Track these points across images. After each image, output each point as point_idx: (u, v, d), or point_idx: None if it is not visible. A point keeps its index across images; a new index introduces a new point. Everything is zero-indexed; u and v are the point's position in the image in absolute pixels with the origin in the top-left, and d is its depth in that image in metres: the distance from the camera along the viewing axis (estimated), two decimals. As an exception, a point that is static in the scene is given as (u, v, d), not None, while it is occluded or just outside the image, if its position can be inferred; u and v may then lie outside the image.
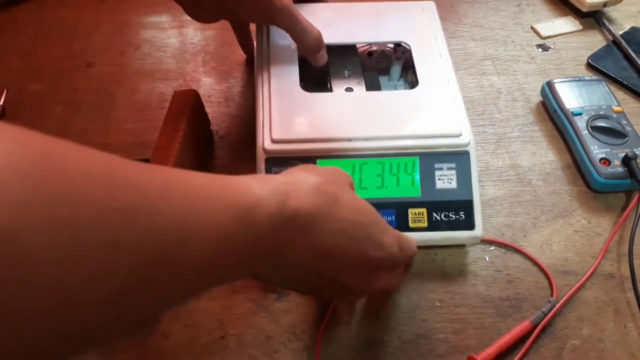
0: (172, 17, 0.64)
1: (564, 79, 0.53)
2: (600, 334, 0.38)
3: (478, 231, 0.40)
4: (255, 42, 0.51)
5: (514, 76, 0.57)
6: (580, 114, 0.49)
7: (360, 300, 0.39)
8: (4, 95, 0.52)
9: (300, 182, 0.28)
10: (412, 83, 0.44)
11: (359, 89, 0.46)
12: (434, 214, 0.39)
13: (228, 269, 0.25)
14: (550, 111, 0.53)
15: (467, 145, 0.40)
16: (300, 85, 0.47)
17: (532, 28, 0.63)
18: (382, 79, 0.50)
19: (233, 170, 0.48)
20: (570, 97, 0.51)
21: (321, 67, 0.45)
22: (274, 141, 0.39)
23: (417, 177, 0.40)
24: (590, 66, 0.58)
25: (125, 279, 0.18)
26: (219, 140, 0.51)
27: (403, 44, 0.47)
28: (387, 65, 0.50)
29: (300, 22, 0.42)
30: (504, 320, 0.39)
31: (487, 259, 0.42)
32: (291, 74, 0.44)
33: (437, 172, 0.40)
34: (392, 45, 0.49)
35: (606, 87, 0.52)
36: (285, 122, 0.40)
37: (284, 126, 0.40)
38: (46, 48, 0.60)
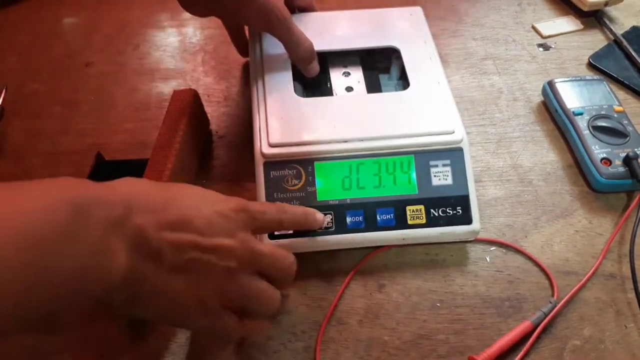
0: (171, 17, 0.64)
1: (565, 79, 0.53)
2: (601, 334, 0.38)
3: (475, 225, 0.40)
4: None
5: (514, 76, 0.57)
6: (581, 114, 0.49)
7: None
8: (2, 95, 0.52)
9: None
10: (406, 85, 0.45)
11: (360, 87, 0.46)
12: (432, 210, 0.40)
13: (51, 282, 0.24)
14: (551, 111, 0.53)
15: (460, 141, 0.41)
16: (300, 86, 0.47)
17: (533, 27, 0.63)
18: (382, 78, 0.50)
19: (233, 170, 0.49)
20: (572, 96, 0.51)
21: (315, 75, 0.46)
22: (271, 145, 0.40)
23: (413, 174, 0.40)
24: (591, 66, 0.58)
25: None
26: (218, 140, 0.51)
27: (393, 49, 0.48)
28: (388, 64, 0.50)
29: (294, 34, 0.43)
30: (504, 320, 0.39)
31: (487, 259, 0.42)
32: (285, 80, 0.45)
33: (433, 169, 0.40)
34: None
35: (607, 87, 0.52)
36: (282, 127, 0.41)
37: (281, 130, 0.41)
38: (45, 47, 0.60)
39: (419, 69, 0.46)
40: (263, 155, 0.40)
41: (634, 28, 0.61)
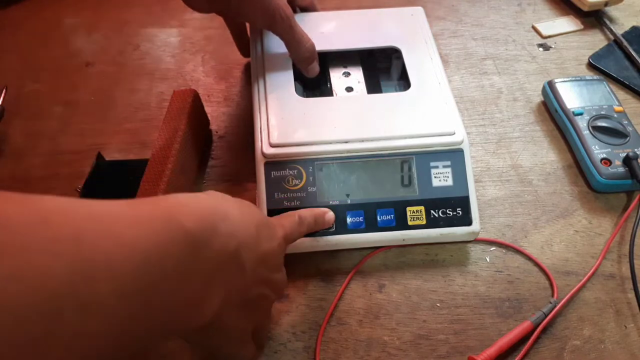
0: (171, 17, 0.64)
1: (565, 79, 0.53)
2: (601, 334, 0.38)
3: (475, 227, 0.40)
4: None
5: (514, 76, 0.57)
6: (581, 114, 0.49)
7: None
8: (2, 95, 0.52)
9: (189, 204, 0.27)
10: (407, 85, 0.45)
11: (360, 88, 0.46)
12: (432, 212, 0.40)
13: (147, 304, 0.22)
14: (551, 111, 0.53)
15: (460, 143, 0.41)
16: (300, 86, 0.47)
17: (533, 27, 0.63)
18: (383, 78, 0.50)
19: (233, 170, 0.49)
20: (571, 96, 0.51)
21: (315, 76, 0.46)
22: (272, 145, 0.40)
23: (414, 175, 0.40)
24: (591, 66, 0.58)
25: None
26: (218, 140, 0.51)
27: (394, 49, 0.48)
28: (388, 64, 0.50)
29: (296, 33, 0.43)
30: (504, 320, 0.39)
31: (487, 259, 0.42)
32: (286, 80, 0.45)
33: (433, 171, 0.40)
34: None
35: (607, 87, 0.52)
36: (283, 127, 0.41)
37: (282, 130, 0.41)
38: (45, 47, 0.60)
39: (419, 69, 0.46)
40: (264, 155, 0.40)
41: (634, 28, 0.61)
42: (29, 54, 0.59)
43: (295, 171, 0.40)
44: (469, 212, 0.40)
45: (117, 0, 0.66)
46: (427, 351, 0.37)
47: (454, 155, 0.41)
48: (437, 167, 0.41)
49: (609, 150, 0.46)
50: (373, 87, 0.47)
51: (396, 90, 0.48)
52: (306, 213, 0.37)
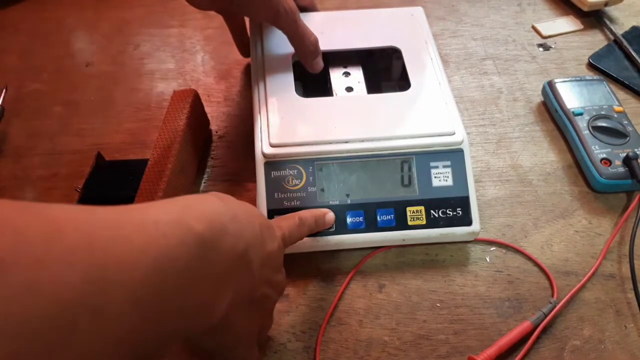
0: (171, 17, 0.64)
1: (565, 79, 0.53)
2: (601, 334, 0.38)
3: (475, 227, 0.40)
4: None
5: (514, 76, 0.57)
6: (581, 114, 0.49)
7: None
8: (3, 95, 0.52)
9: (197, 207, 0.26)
10: (407, 85, 0.45)
11: (360, 88, 0.46)
12: (432, 212, 0.40)
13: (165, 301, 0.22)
14: (551, 111, 0.53)
15: (460, 143, 0.41)
16: (300, 86, 0.47)
17: (533, 27, 0.63)
18: (383, 78, 0.50)
19: (233, 170, 0.49)
20: (571, 96, 0.51)
21: (319, 71, 0.46)
22: (272, 145, 0.40)
23: (414, 176, 0.40)
24: (591, 66, 0.58)
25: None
26: (218, 140, 0.51)
27: (394, 49, 0.48)
28: (388, 64, 0.50)
29: (300, 27, 0.43)
30: (504, 320, 0.39)
31: (487, 259, 0.42)
32: (286, 80, 0.45)
33: (433, 171, 0.41)
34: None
35: (607, 87, 0.52)
36: (283, 127, 0.41)
37: (282, 130, 0.41)
38: (45, 47, 0.60)
39: (419, 69, 0.46)
40: (264, 155, 0.40)
41: (634, 28, 0.61)
42: (29, 54, 0.59)
43: (295, 171, 0.40)
44: (468, 212, 0.40)
45: (117, 0, 0.66)
46: (427, 351, 0.37)
47: (454, 155, 0.41)
48: (437, 167, 0.41)
49: (609, 150, 0.46)
50: (373, 87, 0.47)
51: (396, 90, 0.48)
52: (306, 214, 0.37)
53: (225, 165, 0.49)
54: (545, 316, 0.38)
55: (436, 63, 0.46)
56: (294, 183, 0.40)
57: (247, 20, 0.52)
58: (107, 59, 0.59)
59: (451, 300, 0.40)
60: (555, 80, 0.53)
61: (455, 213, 0.40)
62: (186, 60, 0.59)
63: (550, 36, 0.61)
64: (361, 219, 0.40)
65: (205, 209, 0.25)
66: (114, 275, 0.19)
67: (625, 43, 0.58)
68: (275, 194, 0.40)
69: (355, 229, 0.40)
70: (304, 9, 0.51)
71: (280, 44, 0.46)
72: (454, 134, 0.41)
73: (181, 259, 0.22)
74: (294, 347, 0.37)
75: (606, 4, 0.62)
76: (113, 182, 0.44)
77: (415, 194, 0.40)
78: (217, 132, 0.52)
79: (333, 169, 0.40)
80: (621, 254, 0.42)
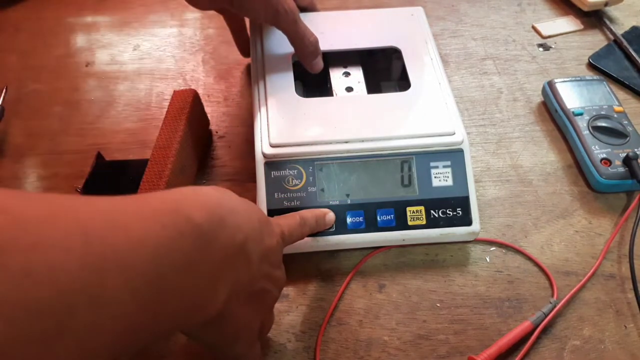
0: (171, 16, 0.64)
1: (565, 79, 0.53)
2: (601, 334, 0.38)
3: (475, 227, 0.40)
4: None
5: (514, 76, 0.57)
6: (581, 114, 0.49)
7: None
8: (3, 95, 0.52)
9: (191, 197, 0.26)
10: (407, 85, 0.45)
11: (359, 88, 0.46)
12: (432, 212, 0.40)
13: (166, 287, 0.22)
14: (551, 111, 0.53)
15: (460, 143, 0.41)
16: (300, 86, 0.47)
17: (533, 27, 0.63)
18: (383, 78, 0.50)
19: (233, 170, 0.49)
20: (571, 96, 0.51)
21: (319, 72, 0.46)
22: (272, 145, 0.40)
23: (414, 176, 0.40)
24: (591, 66, 0.58)
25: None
26: (218, 140, 0.51)
27: (394, 49, 0.48)
28: (388, 64, 0.50)
29: (300, 27, 0.43)
30: (504, 320, 0.39)
31: (487, 259, 0.42)
32: (286, 80, 0.45)
33: (433, 171, 0.41)
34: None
35: (607, 87, 0.52)
36: (283, 127, 0.41)
37: (282, 130, 0.41)
38: (45, 47, 0.60)
39: (420, 69, 0.46)
40: (264, 155, 0.40)
41: (634, 28, 0.61)
42: (29, 54, 0.59)
43: (295, 171, 0.40)
44: (468, 212, 0.40)
45: (117, 0, 0.66)
46: (427, 351, 0.37)
47: (454, 156, 0.41)
48: (437, 167, 0.41)
49: (609, 150, 0.46)
50: (373, 87, 0.47)
51: (396, 90, 0.48)
52: (307, 214, 0.37)
53: (225, 165, 0.49)
54: (546, 316, 0.38)
55: (436, 63, 0.46)
56: (294, 183, 0.40)
57: (247, 20, 0.52)
58: (107, 59, 0.59)
59: (451, 300, 0.40)
60: (555, 80, 0.53)
61: (455, 213, 0.40)
62: (186, 60, 0.59)
63: (550, 36, 0.61)
64: (361, 219, 0.40)
65: (204, 200, 0.25)
66: (111, 263, 0.19)
67: (625, 43, 0.58)
68: (275, 194, 0.40)
69: (355, 229, 0.40)
70: (304, 9, 0.51)
71: (280, 43, 0.46)
72: (454, 134, 0.41)
73: (179, 249, 0.22)
74: (294, 347, 0.37)
75: (606, 4, 0.62)
76: (113, 182, 0.44)
77: (415, 194, 0.40)
78: (217, 132, 0.52)
79: (333, 169, 0.40)
80: (621, 254, 0.42)
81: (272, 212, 0.39)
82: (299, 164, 0.40)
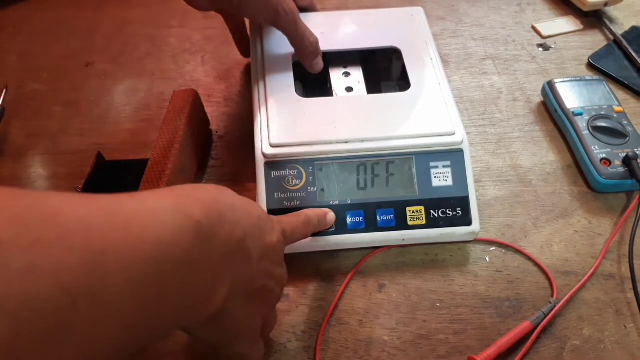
0: (171, 16, 0.64)
1: (565, 79, 0.53)
2: (601, 334, 0.38)
3: (475, 227, 0.40)
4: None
5: (514, 76, 0.57)
6: (581, 114, 0.49)
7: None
8: (3, 95, 0.52)
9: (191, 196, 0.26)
10: (407, 86, 0.45)
11: (359, 88, 0.46)
12: (432, 212, 0.40)
13: (166, 290, 0.22)
14: (551, 111, 0.53)
15: (460, 143, 0.41)
16: (300, 86, 0.47)
17: (533, 27, 0.63)
18: (383, 78, 0.50)
19: (233, 170, 0.49)
20: (571, 97, 0.51)
21: (319, 72, 0.46)
22: (272, 145, 0.40)
23: (414, 176, 0.40)
24: (591, 66, 0.58)
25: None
26: (218, 140, 0.51)
27: (394, 49, 0.48)
28: (388, 64, 0.50)
29: (300, 28, 0.43)
30: (504, 320, 0.39)
31: (487, 259, 0.42)
32: (286, 80, 0.45)
33: (433, 171, 0.41)
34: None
35: (607, 87, 0.52)
36: (283, 127, 0.41)
37: (282, 131, 0.41)
38: (45, 47, 0.60)
39: (419, 69, 0.46)
40: (264, 155, 0.40)
41: (634, 28, 0.61)
42: (29, 54, 0.59)
43: (295, 171, 0.40)
44: (468, 212, 0.40)
45: (117, 0, 0.66)
46: (427, 351, 0.37)
47: (453, 156, 0.41)
48: (437, 167, 0.41)
49: (609, 150, 0.46)
50: (373, 87, 0.47)
51: (396, 91, 0.48)
52: (311, 213, 0.38)
53: (225, 165, 0.49)
54: (545, 316, 0.38)
55: (436, 63, 0.46)
56: (294, 183, 0.40)
57: (247, 20, 0.52)
58: (107, 59, 0.59)
59: (451, 300, 0.40)
60: (555, 81, 0.53)
61: (455, 213, 0.40)
62: (186, 60, 0.59)
63: (550, 36, 0.61)
64: (361, 219, 0.40)
65: (203, 197, 0.25)
66: (112, 260, 0.19)
67: (625, 43, 0.58)
68: (276, 194, 0.40)
69: (355, 229, 0.40)
70: (304, 9, 0.51)
71: (280, 44, 0.46)
72: (454, 134, 0.41)
73: (179, 246, 0.22)
74: (294, 347, 0.37)
75: (606, 4, 0.62)
76: (113, 182, 0.44)
77: (415, 194, 0.40)
78: (217, 132, 0.52)
79: (333, 169, 0.40)
80: (621, 254, 0.42)
81: (272, 212, 0.39)
82: (299, 164, 0.40)
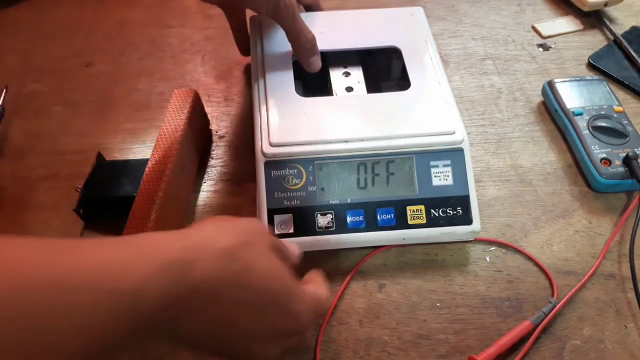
0: (171, 16, 0.64)
1: (565, 79, 0.53)
2: (601, 334, 0.38)
3: (476, 226, 0.40)
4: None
5: (514, 76, 0.57)
6: (581, 114, 0.49)
7: None
8: (3, 95, 0.52)
9: (208, 246, 0.25)
10: (407, 85, 0.45)
11: (359, 87, 0.46)
12: (432, 211, 0.40)
13: (116, 349, 0.22)
14: (551, 111, 0.53)
15: (460, 142, 0.41)
16: (301, 85, 0.47)
17: (533, 27, 0.63)
18: (383, 78, 0.50)
19: (233, 170, 0.49)
20: (571, 96, 0.51)
21: (318, 71, 0.46)
22: (272, 145, 0.40)
23: (414, 175, 0.40)
24: (591, 66, 0.58)
25: None
26: (218, 140, 0.51)
27: (394, 49, 0.48)
28: (388, 64, 0.50)
29: (298, 23, 0.43)
30: (504, 320, 0.39)
31: (487, 259, 0.42)
32: (286, 79, 0.44)
33: (433, 170, 0.41)
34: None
35: (607, 87, 0.52)
36: (283, 126, 0.41)
37: (282, 130, 0.41)
38: (45, 47, 0.60)
39: (419, 69, 0.46)
40: (264, 154, 0.40)
41: (634, 28, 0.61)
42: (29, 54, 0.59)
43: (295, 170, 0.40)
44: (469, 211, 0.40)
45: (117, 0, 0.66)
46: (427, 351, 0.37)
47: (454, 155, 0.41)
48: (437, 166, 0.41)
49: (609, 150, 0.46)
50: (373, 87, 0.47)
51: (396, 90, 0.48)
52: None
53: (225, 165, 0.49)
54: (545, 316, 0.38)
55: (436, 63, 0.46)
56: (294, 182, 0.40)
57: (247, 19, 0.52)
58: (107, 59, 0.59)
59: (451, 300, 0.40)
60: (555, 80, 0.53)
61: (455, 212, 0.40)
62: (186, 60, 0.59)
63: (550, 36, 0.61)
64: (361, 218, 0.40)
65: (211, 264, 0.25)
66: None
67: (625, 43, 0.58)
68: (275, 194, 0.40)
69: (355, 229, 0.40)
70: (309, 7, 0.51)
71: (280, 43, 0.46)
72: (454, 133, 0.41)
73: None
74: (294, 347, 0.37)
75: (606, 4, 0.62)
76: (113, 182, 0.44)
77: (415, 193, 0.40)
78: (217, 132, 0.52)
79: (333, 168, 0.40)
80: (621, 254, 0.42)
81: (272, 212, 0.39)
82: (299, 163, 0.40)
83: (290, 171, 0.40)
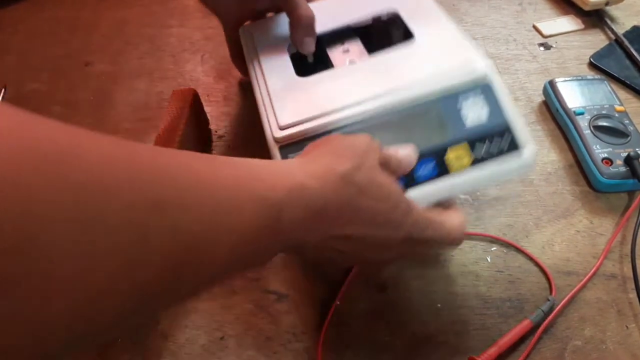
0: (171, 17, 0.64)
1: (566, 78, 0.52)
2: (602, 334, 0.38)
3: (527, 153, 0.36)
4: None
5: (515, 75, 0.57)
6: (582, 114, 0.49)
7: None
8: (2, 94, 0.52)
9: (329, 172, 0.28)
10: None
11: (362, 59, 0.43)
12: (474, 150, 0.36)
13: (251, 259, 0.25)
14: (552, 110, 0.53)
15: (483, 71, 0.37)
16: (300, 69, 0.45)
17: (534, 27, 0.62)
18: (385, 46, 0.48)
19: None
20: (573, 96, 0.51)
21: (316, 57, 0.44)
22: (282, 128, 0.36)
23: (444, 120, 0.36)
24: (592, 65, 0.57)
25: (150, 275, 0.18)
26: (217, 140, 0.51)
27: (391, 13, 0.45)
28: (388, 39, 0.48)
29: None
30: (505, 321, 0.39)
31: (488, 259, 0.42)
32: (283, 62, 0.42)
33: (464, 111, 0.36)
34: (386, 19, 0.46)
35: (608, 87, 0.52)
36: (289, 107, 0.38)
37: (289, 111, 0.37)
38: (44, 47, 0.60)
39: (421, 19, 0.42)
40: (275, 140, 0.36)
41: (635, 27, 0.61)
42: (29, 54, 0.59)
43: None
44: (514, 139, 0.36)
45: (117, 0, 0.66)
46: (427, 352, 0.37)
47: (481, 90, 0.36)
48: (467, 104, 0.36)
49: (610, 149, 0.46)
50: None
51: None
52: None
53: (225, 165, 0.49)
54: (544, 313, 0.38)
55: (437, 12, 0.43)
56: None
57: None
58: (106, 59, 0.59)
59: (452, 300, 0.40)
60: (556, 80, 0.52)
61: (500, 144, 0.36)
62: (185, 59, 0.59)
63: (551, 35, 0.61)
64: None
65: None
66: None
67: (626, 42, 0.58)
68: None
69: None
70: None
71: (270, 34, 0.45)
72: (475, 68, 0.37)
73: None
74: (294, 347, 0.37)
75: (607, 4, 0.62)
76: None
77: (451, 137, 0.36)
78: (216, 131, 0.52)
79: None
80: (622, 254, 0.42)
81: None
82: (315, 139, 0.35)
83: None
